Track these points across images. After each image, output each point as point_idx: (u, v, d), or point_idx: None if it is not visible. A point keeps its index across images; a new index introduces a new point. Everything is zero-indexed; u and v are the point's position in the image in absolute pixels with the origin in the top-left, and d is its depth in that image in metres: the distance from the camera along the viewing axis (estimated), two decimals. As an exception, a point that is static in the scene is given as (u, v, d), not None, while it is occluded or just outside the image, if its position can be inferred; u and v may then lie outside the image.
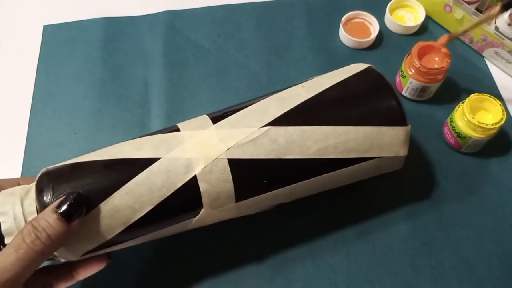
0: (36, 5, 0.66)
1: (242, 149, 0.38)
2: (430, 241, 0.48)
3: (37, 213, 0.35)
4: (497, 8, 0.45)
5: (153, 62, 0.60)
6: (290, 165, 0.39)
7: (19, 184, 0.39)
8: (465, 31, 0.50)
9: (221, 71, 0.60)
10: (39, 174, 0.38)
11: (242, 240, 0.47)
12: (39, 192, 0.36)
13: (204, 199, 0.38)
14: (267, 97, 0.43)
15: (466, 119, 0.49)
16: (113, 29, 0.63)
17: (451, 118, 0.52)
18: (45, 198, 0.35)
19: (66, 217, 0.33)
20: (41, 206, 0.35)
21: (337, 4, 0.65)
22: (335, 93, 0.42)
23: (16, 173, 0.52)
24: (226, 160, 0.38)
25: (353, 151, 0.40)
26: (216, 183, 0.38)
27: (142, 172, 0.37)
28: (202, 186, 0.38)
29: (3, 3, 0.67)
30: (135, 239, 0.39)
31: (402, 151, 0.42)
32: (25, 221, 0.35)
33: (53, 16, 0.65)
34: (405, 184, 0.51)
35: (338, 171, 0.41)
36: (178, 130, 0.41)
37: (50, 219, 0.33)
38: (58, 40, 0.63)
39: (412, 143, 0.53)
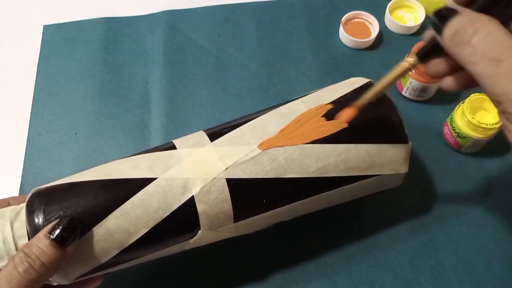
0: (36, 5, 0.66)
1: (241, 168, 0.37)
2: (430, 241, 0.48)
3: (28, 236, 0.34)
4: (412, 60, 0.33)
5: (153, 62, 0.60)
6: (290, 184, 0.38)
7: (9, 204, 0.38)
8: (376, 94, 0.37)
9: (221, 71, 0.60)
10: (29, 194, 0.36)
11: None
12: (30, 214, 0.34)
13: (202, 220, 0.37)
14: (266, 112, 0.42)
15: (466, 119, 0.49)
16: (113, 29, 0.63)
17: (451, 118, 0.52)
18: (36, 221, 0.34)
19: (60, 242, 0.32)
20: (32, 229, 0.34)
21: (337, 4, 0.65)
22: (335, 109, 0.41)
23: (17, 174, 0.52)
24: (225, 180, 0.37)
25: (353, 169, 0.39)
26: (214, 204, 0.37)
27: (138, 193, 0.35)
28: (200, 207, 0.36)
29: (3, 3, 0.67)
30: (130, 261, 0.38)
31: (403, 169, 0.42)
32: (15, 244, 0.34)
33: (53, 16, 0.65)
34: (405, 184, 0.51)
35: (338, 189, 0.40)
36: (174, 146, 0.39)
37: (43, 245, 0.32)
38: (58, 40, 0.63)
39: (412, 143, 0.53)
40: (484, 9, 0.28)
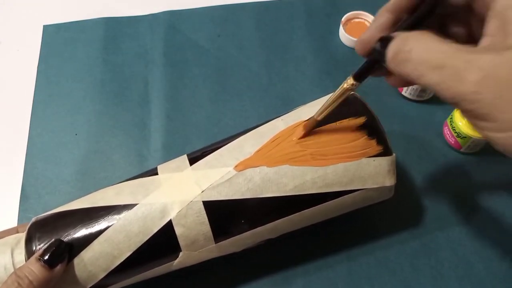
0: (36, 5, 0.66)
1: (217, 190, 0.38)
2: (430, 241, 0.48)
3: (25, 261, 0.37)
4: (350, 81, 0.35)
5: (153, 62, 0.60)
6: (267, 204, 0.39)
7: (17, 232, 0.41)
8: (322, 114, 0.38)
9: (221, 71, 0.60)
10: (29, 223, 0.39)
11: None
12: (28, 241, 0.37)
13: (181, 242, 0.38)
14: (246, 132, 0.42)
15: (466, 119, 0.49)
16: (113, 29, 0.63)
17: (451, 118, 0.52)
18: (31, 247, 0.37)
19: (49, 263, 0.35)
20: (29, 254, 0.37)
21: (337, 4, 0.65)
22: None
23: (18, 175, 0.52)
24: (201, 203, 0.38)
25: (333, 185, 0.39)
26: (193, 226, 0.38)
27: (119, 219, 0.37)
28: (178, 230, 0.37)
29: (3, 3, 0.67)
30: (119, 283, 0.39)
31: (388, 181, 0.41)
32: (14, 269, 0.36)
33: (53, 16, 0.65)
34: (405, 184, 0.51)
35: (321, 205, 0.40)
36: (156, 171, 0.41)
37: (33, 266, 0.35)
38: (58, 40, 0.63)
39: (412, 143, 0.54)
40: (414, 26, 0.30)
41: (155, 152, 0.54)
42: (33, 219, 0.40)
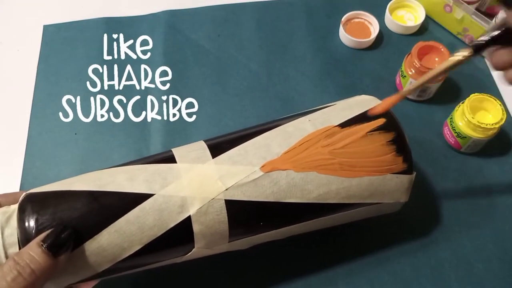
0: (36, 5, 0.66)
1: (241, 189, 0.37)
2: (430, 241, 0.48)
3: (19, 244, 0.33)
4: (466, 52, 0.34)
5: (153, 62, 0.60)
6: (288, 209, 0.38)
7: None
8: (421, 85, 0.38)
9: (221, 71, 0.60)
10: (21, 199, 0.35)
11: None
12: (22, 221, 0.34)
13: (197, 239, 0.37)
14: (271, 127, 0.41)
15: (466, 119, 0.49)
16: (113, 29, 0.63)
17: (451, 118, 0.52)
18: (28, 229, 0.33)
19: (53, 250, 0.31)
20: (24, 237, 0.33)
21: (337, 4, 0.65)
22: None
23: (17, 174, 0.52)
24: (223, 201, 0.36)
25: (354, 197, 0.39)
26: (211, 225, 0.36)
27: (134, 210, 0.35)
28: (196, 227, 0.36)
29: (3, 3, 0.67)
30: (122, 273, 0.38)
31: (403, 198, 0.42)
32: (5, 253, 0.33)
33: (53, 16, 0.65)
34: (405, 184, 0.51)
35: (336, 214, 0.40)
36: (173, 157, 0.38)
37: (35, 252, 0.31)
38: (58, 40, 0.63)
39: (412, 143, 0.53)
40: None
41: (155, 152, 0.53)
42: (26, 194, 0.36)
